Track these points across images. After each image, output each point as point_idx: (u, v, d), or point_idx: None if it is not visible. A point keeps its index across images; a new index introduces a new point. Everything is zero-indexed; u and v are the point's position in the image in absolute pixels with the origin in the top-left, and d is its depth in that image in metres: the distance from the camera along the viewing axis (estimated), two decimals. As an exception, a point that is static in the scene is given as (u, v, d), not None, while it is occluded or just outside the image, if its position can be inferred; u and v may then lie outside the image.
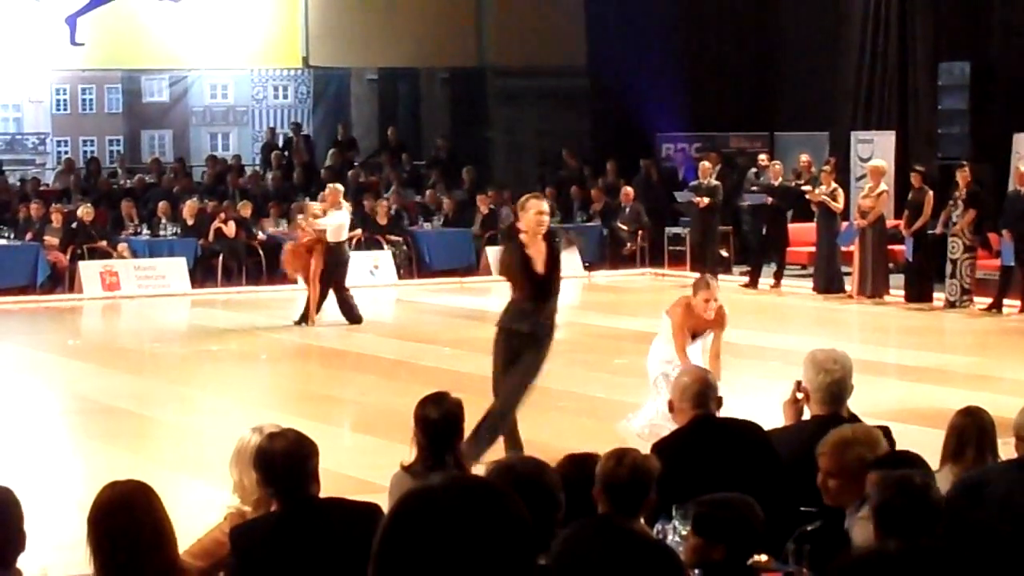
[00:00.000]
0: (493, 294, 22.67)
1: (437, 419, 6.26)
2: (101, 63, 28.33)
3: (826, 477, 5.52)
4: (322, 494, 5.25)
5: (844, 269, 20.65)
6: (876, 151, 22.60)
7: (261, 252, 22.46)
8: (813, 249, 21.36)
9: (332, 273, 17.98)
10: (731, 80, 26.42)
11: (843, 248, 20.52)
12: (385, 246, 23.33)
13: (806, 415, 6.82)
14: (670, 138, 26.70)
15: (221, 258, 22.47)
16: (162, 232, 22.79)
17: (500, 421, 10.05)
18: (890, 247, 20.15)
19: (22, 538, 4.79)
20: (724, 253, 23.01)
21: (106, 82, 33.41)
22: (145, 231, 23.05)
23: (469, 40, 28.63)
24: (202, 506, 7.27)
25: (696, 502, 5.11)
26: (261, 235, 22.79)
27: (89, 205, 23.08)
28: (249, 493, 5.57)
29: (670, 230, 24.21)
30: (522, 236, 10.05)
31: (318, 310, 18.03)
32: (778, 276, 21.57)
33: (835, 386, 6.60)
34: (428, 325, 18.73)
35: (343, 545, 4.91)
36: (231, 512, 5.62)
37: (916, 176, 19.68)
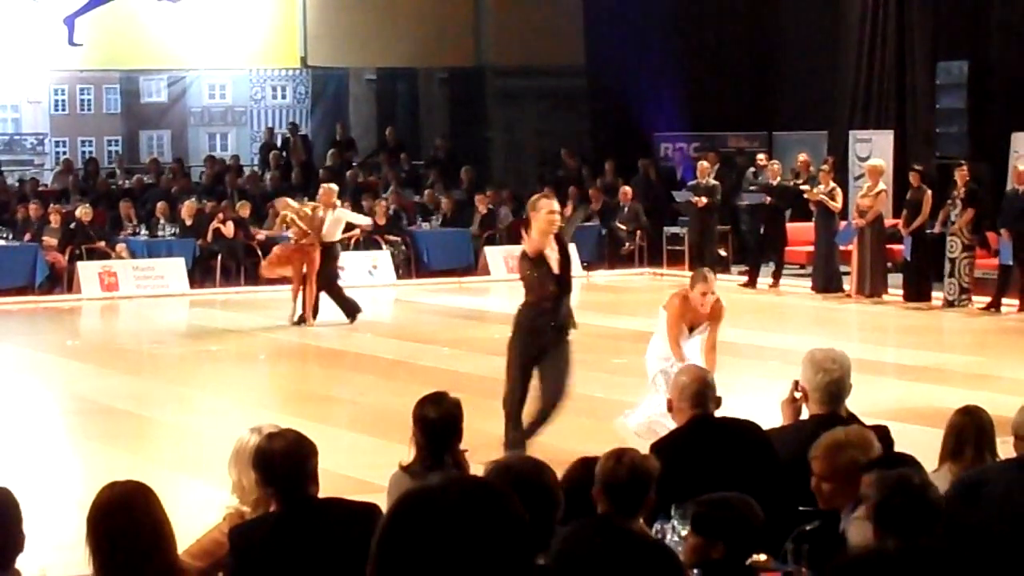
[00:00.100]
0: (492, 294, 22.71)
1: (436, 419, 6.26)
2: (99, 63, 28.34)
3: (819, 480, 5.51)
4: (321, 494, 5.25)
5: (843, 268, 20.65)
6: (874, 150, 22.60)
7: (260, 252, 22.44)
8: (811, 248, 21.37)
9: (327, 272, 18.05)
10: (729, 80, 26.42)
11: (841, 247, 20.52)
12: (384, 246, 23.33)
13: (804, 414, 6.82)
14: (668, 138, 26.70)
15: (219, 258, 22.47)
16: (160, 232, 22.80)
17: (545, 421, 10.14)
18: (888, 246, 20.15)
19: (21, 539, 4.79)
20: (722, 253, 23.02)
21: (104, 82, 33.39)
22: (143, 231, 23.04)
23: (467, 40, 28.64)
24: (201, 506, 7.27)
25: (695, 502, 5.11)
26: (260, 235, 22.77)
27: (87, 205, 23.09)
28: (248, 493, 5.57)
29: (668, 230, 24.21)
30: (530, 242, 10.09)
31: (315, 311, 18.05)
32: (776, 275, 21.57)
33: (834, 386, 6.60)
34: (427, 325, 18.73)
35: (342, 545, 4.91)
36: (230, 512, 5.62)
37: (914, 175, 19.69)
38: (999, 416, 6.70)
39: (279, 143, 28.96)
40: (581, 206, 21.05)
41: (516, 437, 10.12)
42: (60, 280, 21.87)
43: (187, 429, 12.32)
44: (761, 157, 23.43)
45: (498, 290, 23.01)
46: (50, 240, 22.13)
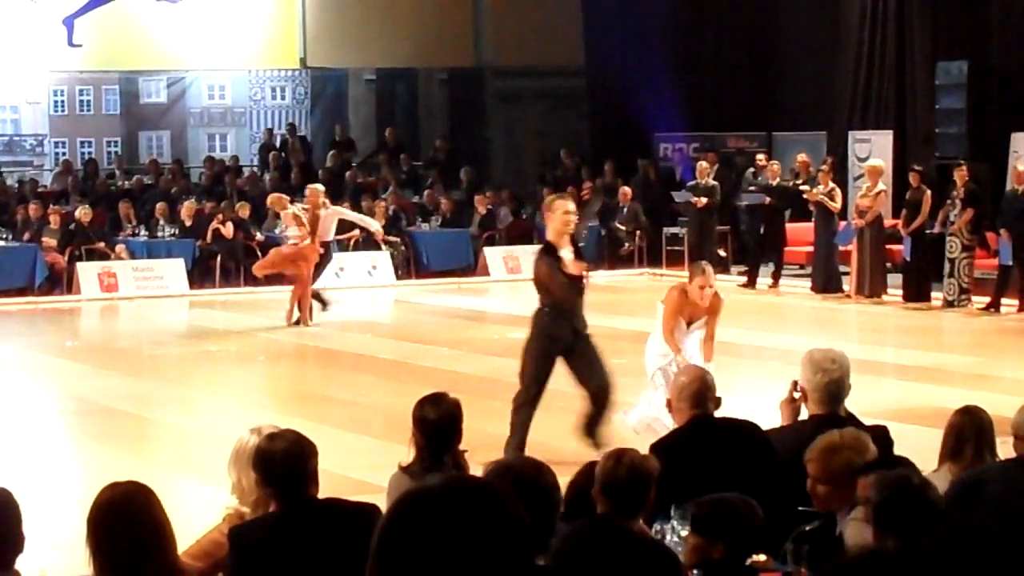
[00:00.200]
0: (491, 295, 22.72)
1: (435, 420, 6.25)
2: (99, 64, 28.35)
3: (815, 483, 5.50)
4: (321, 495, 5.25)
5: (842, 269, 20.66)
6: (874, 151, 22.60)
7: (259, 253, 22.43)
8: (811, 249, 21.37)
9: (320, 271, 18.16)
10: (729, 80, 26.43)
11: (841, 248, 20.53)
12: (383, 247, 23.32)
13: (804, 415, 6.82)
14: (668, 138, 26.70)
15: (219, 259, 22.47)
16: (160, 233, 22.80)
17: (601, 418, 10.26)
18: (888, 246, 20.15)
19: (21, 539, 4.79)
20: (722, 253, 23.01)
21: (104, 83, 33.44)
22: (143, 232, 23.05)
23: (467, 41, 28.65)
24: (201, 507, 7.27)
25: (695, 502, 5.11)
26: (259, 236, 22.78)
27: (87, 206, 23.10)
28: (248, 494, 5.56)
29: (668, 230, 24.21)
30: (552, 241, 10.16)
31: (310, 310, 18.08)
32: (776, 276, 21.58)
33: (833, 386, 6.60)
34: (426, 326, 18.73)
35: (342, 545, 4.91)
36: (229, 513, 5.62)
37: (914, 175, 19.70)
38: (999, 416, 6.70)
39: (278, 144, 28.97)
40: (597, 194, 21.01)
41: (515, 442, 10.10)
42: (60, 281, 21.87)
43: (187, 430, 12.32)
44: (760, 157, 23.44)
45: (497, 291, 23.03)
46: (49, 241, 22.13)
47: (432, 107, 30.71)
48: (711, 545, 4.95)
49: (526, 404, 10.30)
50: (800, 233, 21.95)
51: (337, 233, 21.74)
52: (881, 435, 6.56)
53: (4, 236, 22.36)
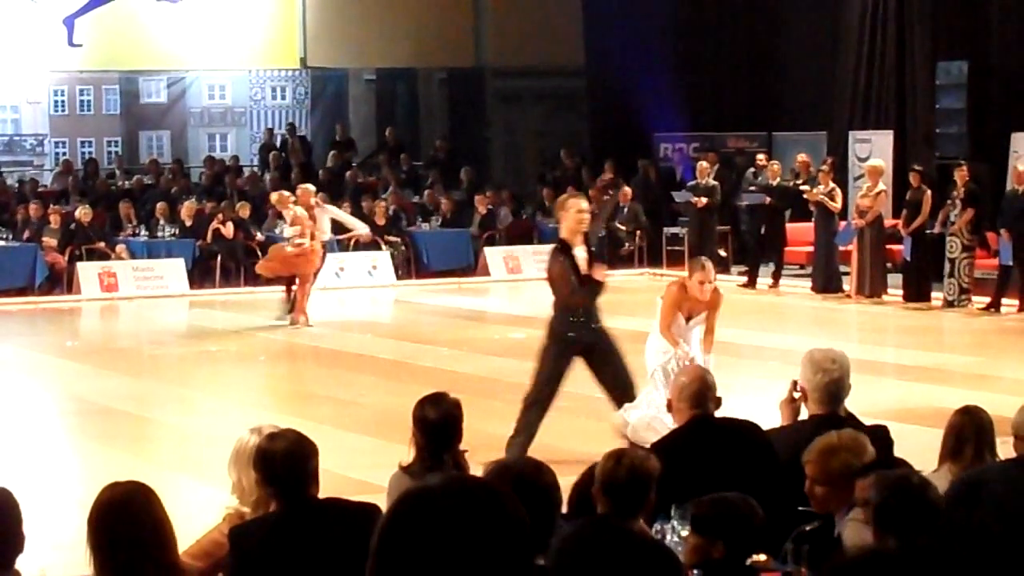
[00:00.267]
0: (491, 295, 22.72)
1: (436, 419, 6.25)
2: (99, 64, 28.35)
3: (813, 484, 5.50)
4: (321, 494, 5.26)
5: (842, 269, 20.65)
6: (874, 151, 22.60)
7: (259, 253, 22.43)
8: (811, 249, 21.37)
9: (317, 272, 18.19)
10: (729, 80, 26.43)
11: (841, 248, 20.53)
12: (383, 247, 23.32)
13: (803, 414, 6.82)
14: (668, 138, 26.70)
15: (219, 259, 22.47)
16: (160, 233, 22.80)
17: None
18: (888, 247, 20.15)
19: (21, 539, 4.79)
20: (722, 253, 23.00)
21: (104, 83, 33.44)
22: (143, 232, 23.04)
23: (467, 41, 28.65)
24: (201, 507, 7.27)
25: (695, 502, 5.11)
26: (259, 235, 22.77)
27: (87, 206, 23.10)
28: (248, 494, 5.56)
29: (668, 230, 24.20)
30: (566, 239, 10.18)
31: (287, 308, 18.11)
32: (776, 276, 21.58)
33: (833, 386, 6.60)
34: (426, 326, 18.73)
35: (342, 545, 4.91)
36: (230, 513, 5.62)
37: (914, 175, 19.69)
38: (999, 416, 6.70)
39: (279, 144, 28.97)
40: (615, 190, 20.92)
41: (519, 442, 10.10)
42: (60, 281, 21.87)
43: (187, 430, 12.32)
44: (761, 157, 23.43)
45: (498, 291, 23.03)
46: (50, 241, 22.13)
47: (432, 107, 30.71)
48: (711, 545, 4.95)
49: (536, 404, 10.26)
50: (800, 233, 21.95)
51: (336, 233, 21.81)
52: (881, 435, 6.56)
53: (4, 236, 22.36)
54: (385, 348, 16.67)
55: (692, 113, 25.97)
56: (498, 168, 28.84)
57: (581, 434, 10.67)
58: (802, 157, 22.32)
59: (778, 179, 21.71)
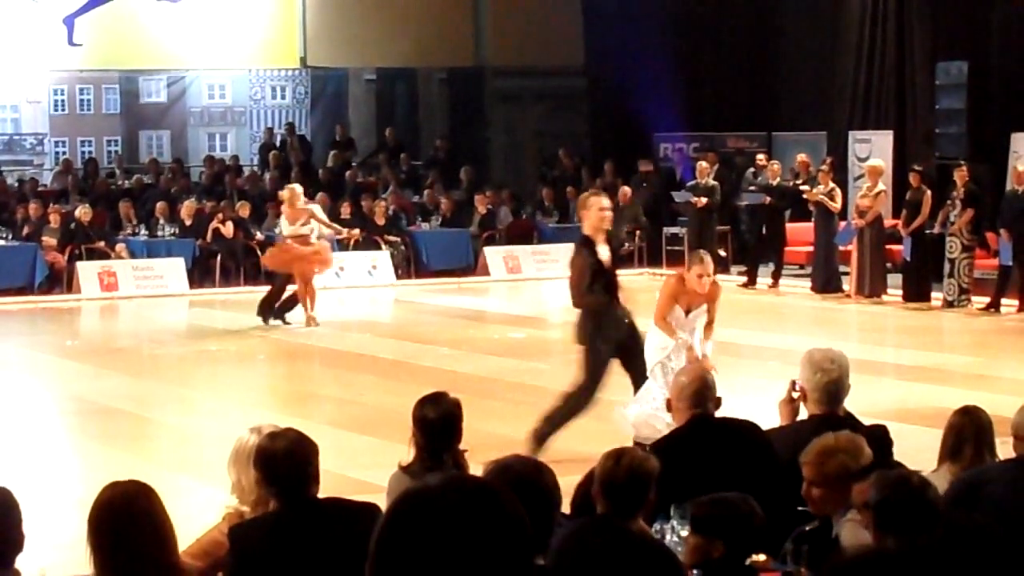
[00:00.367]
0: (491, 294, 22.72)
1: (435, 419, 6.25)
2: (99, 63, 28.34)
3: (810, 486, 5.49)
4: (320, 494, 5.26)
5: (842, 269, 20.66)
6: (874, 151, 22.60)
7: (259, 252, 22.43)
8: (811, 249, 21.38)
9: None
10: (729, 80, 26.42)
11: (841, 248, 20.53)
12: (383, 246, 23.32)
13: (803, 414, 6.82)
14: (668, 138, 26.70)
15: (219, 258, 22.47)
16: (160, 232, 22.80)
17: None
18: (888, 247, 20.15)
19: (21, 539, 4.79)
20: (722, 253, 23.00)
21: (104, 82, 33.39)
22: (143, 231, 23.04)
23: (467, 40, 28.64)
24: (201, 506, 7.27)
25: (694, 502, 5.11)
26: (259, 235, 22.77)
27: (87, 206, 23.10)
28: (247, 493, 5.57)
29: (668, 230, 24.21)
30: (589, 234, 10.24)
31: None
32: (776, 276, 21.58)
33: (832, 385, 6.60)
34: (426, 325, 18.73)
35: (342, 545, 4.91)
36: (229, 512, 5.62)
37: (914, 176, 19.70)
38: (998, 416, 6.70)
39: (278, 143, 28.96)
40: (641, 189, 20.87)
41: (540, 435, 10.13)
42: (60, 280, 21.87)
43: (187, 429, 12.33)
44: (760, 157, 23.44)
45: (497, 291, 23.04)
46: (49, 240, 22.13)
47: (432, 107, 30.70)
48: (711, 545, 4.95)
49: (573, 406, 10.25)
50: (800, 233, 21.96)
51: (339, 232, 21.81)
52: (880, 435, 6.56)
53: (4, 235, 22.36)
54: (385, 348, 16.67)
55: (692, 113, 25.97)
56: (498, 168, 28.84)
57: (581, 434, 10.66)
58: (802, 157, 22.33)
59: (778, 179, 21.71)
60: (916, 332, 17.55)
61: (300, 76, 31.59)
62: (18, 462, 10.85)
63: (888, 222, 20.29)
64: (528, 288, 22.93)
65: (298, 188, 18.56)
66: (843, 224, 20.58)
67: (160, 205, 23.37)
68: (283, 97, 33.18)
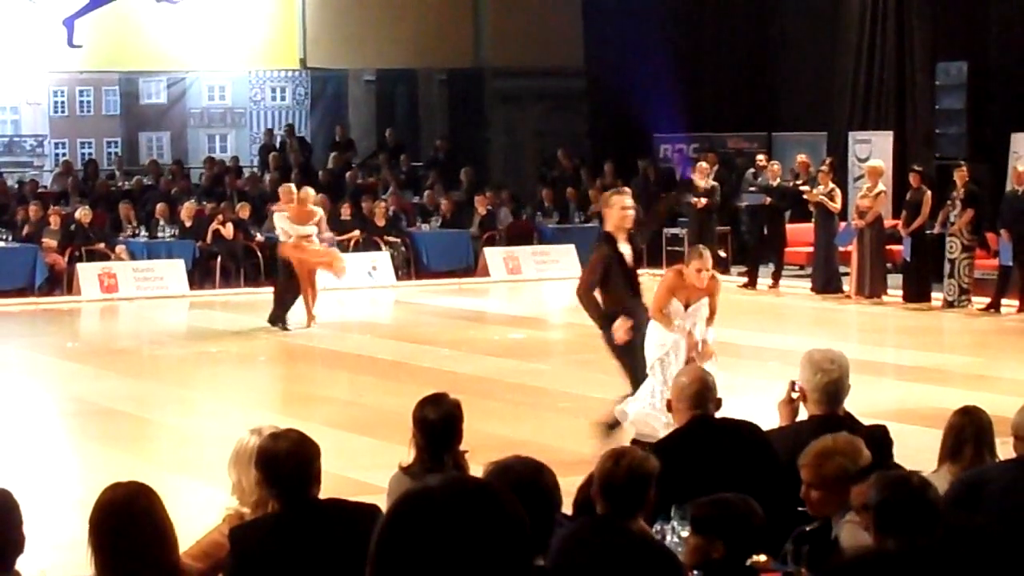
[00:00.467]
0: (491, 295, 22.71)
1: (436, 420, 6.25)
2: (99, 65, 28.34)
3: (808, 488, 5.49)
4: (321, 495, 5.26)
5: (842, 269, 20.66)
6: (874, 151, 22.61)
7: (259, 254, 22.44)
8: (811, 249, 21.38)
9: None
10: (729, 81, 26.42)
11: (841, 248, 20.53)
12: (383, 247, 23.32)
13: (802, 415, 6.82)
14: (668, 139, 26.70)
15: (219, 260, 22.47)
16: (160, 234, 22.80)
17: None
18: (888, 247, 20.15)
19: (21, 540, 4.79)
20: (722, 254, 23.00)
21: (104, 84, 33.42)
22: (143, 233, 23.04)
23: (467, 41, 28.64)
24: (201, 508, 7.27)
25: (695, 502, 5.11)
26: (259, 236, 22.77)
27: (87, 207, 23.10)
28: (248, 494, 5.57)
29: (668, 231, 24.19)
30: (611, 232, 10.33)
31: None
32: (776, 276, 21.58)
33: (832, 386, 6.60)
34: (426, 326, 18.73)
35: (342, 546, 4.91)
36: (229, 513, 5.62)
37: (914, 176, 19.70)
38: (998, 416, 6.70)
39: (278, 144, 28.97)
40: (681, 188, 20.75)
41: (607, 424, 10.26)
42: (60, 282, 21.87)
43: (187, 431, 12.33)
44: (761, 158, 23.44)
45: (497, 291, 23.04)
46: (50, 242, 22.13)
47: (432, 108, 30.70)
48: (711, 545, 4.95)
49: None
50: (800, 234, 21.96)
51: (339, 233, 21.81)
52: (880, 435, 6.56)
53: (4, 237, 22.35)
54: (385, 349, 16.67)
55: (692, 113, 25.97)
56: (498, 168, 28.84)
57: (581, 434, 10.67)
58: (802, 158, 22.34)
59: (778, 180, 21.72)
60: (916, 332, 17.55)
61: (300, 77, 31.62)
62: (18, 463, 10.85)
63: (888, 222, 20.29)
64: (528, 289, 22.94)
65: (311, 191, 18.68)
66: (843, 225, 20.58)
67: (160, 206, 23.38)
68: (283, 98, 33.20)
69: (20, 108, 33.58)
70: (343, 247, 22.33)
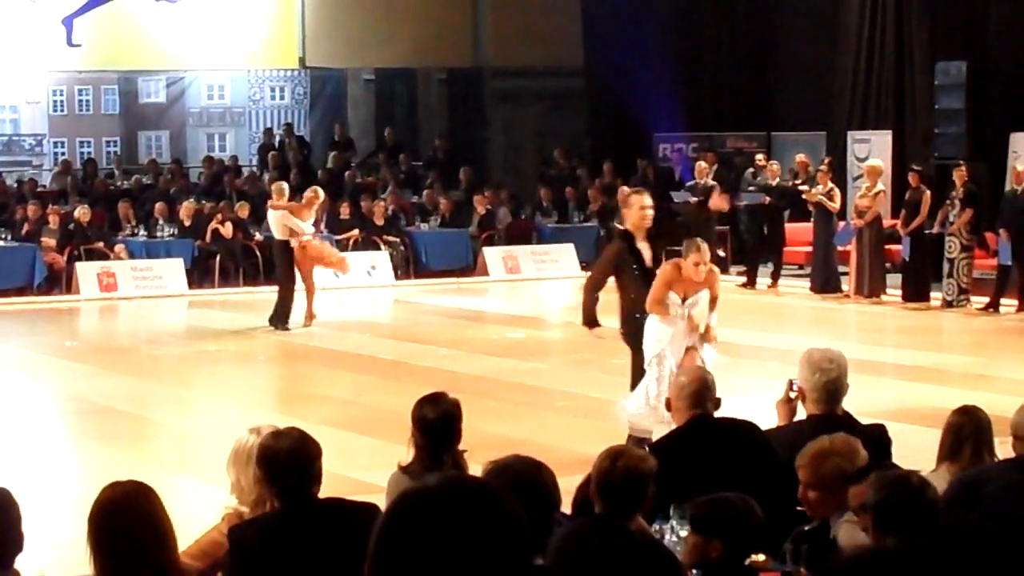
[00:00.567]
0: (490, 295, 22.71)
1: (435, 419, 6.25)
2: (98, 64, 28.33)
3: (806, 489, 5.49)
4: (320, 495, 5.26)
5: (841, 269, 20.65)
6: (873, 151, 22.61)
7: (258, 253, 22.44)
8: (810, 249, 21.38)
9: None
10: (728, 80, 26.43)
11: (840, 248, 20.53)
12: (382, 247, 23.32)
13: (801, 414, 6.82)
14: (667, 138, 26.70)
15: (218, 259, 22.47)
16: (159, 233, 22.79)
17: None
18: (887, 247, 20.15)
19: (20, 539, 4.79)
20: (721, 253, 22.98)
21: (103, 83, 33.35)
22: (142, 232, 23.03)
23: (466, 40, 28.64)
24: (200, 507, 7.27)
25: (694, 502, 5.11)
26: (258, 236, 22.76)
27: (86, 206, 23.08)
28: (247, 493, 5.56)
29: (667, 231, 24.17)
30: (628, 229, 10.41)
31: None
32: (775, 276, 21.59)
33: (831, 385, 6.60)
34: (425, 326, 18.73)
35: (341, 545, 4.91)
36: (228, 512, 5.62)
37: (913, 176, 19.70)
38: (998, 416, 6.70)
39: (277, 144, 28.95)
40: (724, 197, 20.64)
41: None
42: (59, 281, 21.87)
43: (186, 430, 12.33)
44: (760, 157, 23.44)
45: (497, 291, 23.03)
46: (48, 241, 22.12)
47: (431, 107, 30.69)
48: (710, 544, 4.95)
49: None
50: (799, 233, 21.96)
51: (336, 233, 21.79)
52: (879, 435, 6.57)
53: (3, 236, 22.34)
54: (384, 348, 16.67)
55: (691, 113, 25.97)
56: (497, 168, 28.83)
57: (581, 434, 10.68)
58: (801, 157, 22.34)
59: (777, 179, 21.72)
60: (915, 332, 17.55)
61: (299, 76, 31.57)
62: (17, 462, 10.85)
63: (887, 222, 20.29)
64: (527, 288, 22.93)
65: (320, 191, 18.69)
66: (842, 224, 20.58)
67: (159, 206, 23.37)
68: (282, 97, 33.15)
69: (19, 107, 33.52)
70: (342, 246, 22.36)
